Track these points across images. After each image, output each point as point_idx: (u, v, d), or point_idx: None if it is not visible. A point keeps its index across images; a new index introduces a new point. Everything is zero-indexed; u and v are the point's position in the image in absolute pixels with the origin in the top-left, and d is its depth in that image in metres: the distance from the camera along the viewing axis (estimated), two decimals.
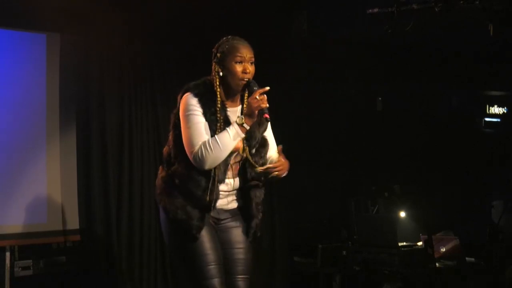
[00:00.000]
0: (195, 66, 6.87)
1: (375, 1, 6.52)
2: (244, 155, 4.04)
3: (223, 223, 4.11)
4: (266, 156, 4.18)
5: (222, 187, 4.02)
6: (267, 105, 3.92)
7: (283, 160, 4.10)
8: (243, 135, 3.94)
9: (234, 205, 4.15)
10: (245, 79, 3.97)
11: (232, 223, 4.14)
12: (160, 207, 4.09)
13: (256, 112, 3.91)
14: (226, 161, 3.97)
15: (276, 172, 4.04)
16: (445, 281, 6.39)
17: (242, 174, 4.10)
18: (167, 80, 6.88)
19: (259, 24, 6.93)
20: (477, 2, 6.13)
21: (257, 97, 3.89)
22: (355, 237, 6.73)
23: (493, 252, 7.03)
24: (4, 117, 6.22)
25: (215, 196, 3.97)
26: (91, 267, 6.42)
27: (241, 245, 4.15)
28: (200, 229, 3.96)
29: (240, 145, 4.00)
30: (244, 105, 4.05)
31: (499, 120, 7.59)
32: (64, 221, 6.46)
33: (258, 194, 4.18)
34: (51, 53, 6.46)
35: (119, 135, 6.59)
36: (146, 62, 6.78)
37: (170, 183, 4.01)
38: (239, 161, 4.08)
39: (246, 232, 4.15)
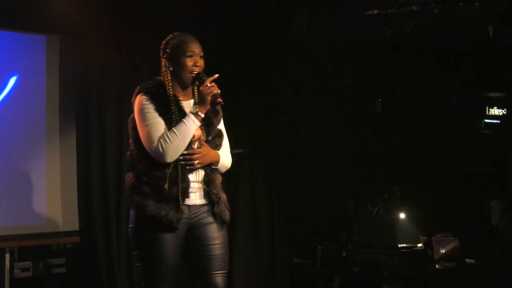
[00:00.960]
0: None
1: (374, 3, 6.52)
2: (203, 139, 4.14)
3: (195, 220, 4.14)
4: (220, 147, 4.26)
5: (190, 177, 4.10)
6: (219, 91, 4.08)
7: (205, 149, 4.16)
8: (199, 123, 4.07)
9: (204, 200, 4.18)
10: (195, 72, 4.11)
11: (206, 219, 4.18)
12: (131, 209, 4.15)
13: (209, 98, 4.06)
14: (188, 149, 4.06)
15: (196, 161, 4.09)
16: (445, 282, 6.39)
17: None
18: None
19: (258, 25, 6.94)
20: (477, 4, 6.13)
21: (208, 84, 4.05)
22: (354, 238, 6.72)
23: (492, 253, 7.04)
24: (4, 119, 6.23)
25: (186, 185, 4.06)
26: (90, 268, 6.42)
27: (216, 241, 4.19)
28: (178, 220, 4.02)
29: (199, 133, 4.11)
30: (195, 97, 4.18)
31: (499, 121, 7.57)
32: (63, 223, 6.47)
33: (214, 179, 4.22)
34: (51, 55, 6.48)
35: (118, 137, 6.59)
36: (145, 63, 6.78)
37: (139, 183, 4.08)
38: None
39: (215, 218, 4.19)
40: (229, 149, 4.36)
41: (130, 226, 4.17)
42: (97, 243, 6.42)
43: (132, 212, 4.15)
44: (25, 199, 6.32)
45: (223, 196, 4.28)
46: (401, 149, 7.52)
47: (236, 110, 7.05)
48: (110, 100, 6.58)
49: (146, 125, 4.03)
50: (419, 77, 7.44)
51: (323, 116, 7.44)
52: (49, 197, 6.43)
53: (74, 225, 6.49)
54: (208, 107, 4.09)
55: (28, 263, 6.32)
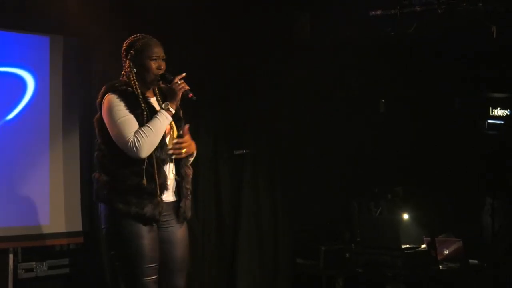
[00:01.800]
0: (199, 66, 6.91)
1: (378, 3, 6.53)
2: (175, 134, 4.25)
3: (165, 219, 4.20)
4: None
5: (166, 168, 4.17)
6: (188, 87, 4.18)
7: (189, 139, 4.29)
8: (171, 119, 4.16)
9: (174, 197, 4.26)
10: (160, 74, 4.22)
11: (172, 221, 4.24)
12: (104, 207, 4.16)
13: (179, 94, 4.15)
14: (161, 144, 4.13)
15: (184, 149, 4.21)
16: (448, 283, 6.39)
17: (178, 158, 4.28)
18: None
19: (261, 26, 6.94)
20: (480, 4, 6.14)
21: (177, 81, 4.16)
22: (358, 239, 6.73)
23: (495, 254, 7.03)
24: (7, 120, 6.23)
25: (163, 177, 4.13)
26: (94, 269, 6.42)
27: (181, 243, 4.29)
28: (160, 214, 4.09)
29: (169, 128, 4.20)
30: (157, 95, 4.29)
31: (502, 122, 7.57)
32: (67, 223, 6.46)
33: (186, 172, 4.30)
34: (54, 56, 6.48)
35: None
36: None
37: (114, 182, 4.10)
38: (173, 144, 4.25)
39: (176, 213, 4.25)
40: None
41: (104, 226, 4.19)
42: (100, 243, 6.41)
43: (105, 211, 4.16)
44: (28, 200, 6.31)
45: (190, 194, 4.35)
46: (404, 150, 7.52)
47: (239, 111, 7.09)
48: None
49: (118, 123, 4.06)
50: (422, 77, 7.44)
51: (326, 116, 7.44)
52: (52, 197, 6.43)
53: (78, 226, 6.48)
54: (178, 103, 4.19)
55: (32, 264, 6.32)
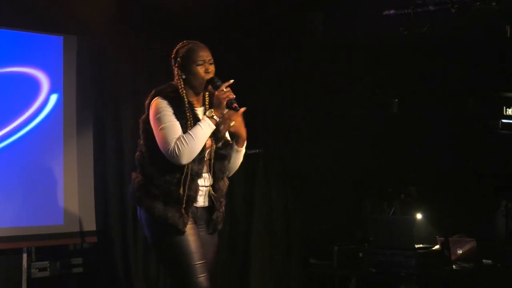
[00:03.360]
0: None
1: (391, 3, 6.51)
2: (214, 147, 4.22)
3: (199, 222, 4.22)
4: (229, 157, 4.33)
5: (200, 181, 4.17)
6: (234, 96, 4.14)
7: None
8: (214, 127, 4.12)
9: (208, 203, 4.27)
10: (208, 78, 4.18)
11: (203, 225, 4.26)
12: (141, 210, 4.19)
13: (224, 103, 4.11)
14: (200, 155, 4.12)
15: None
16: (462, 283, 6.38)
17: (213, 169, 4.26)
18: None
19: (274, 26, 6.94)
20: (494, 4, 6.11)
21: (223, 89, 4.11)
22: (371, 239, 6.72)
23: (509, 254, 7.01)
24: (21, 119, 6.26)
25: (194, 189, 4.12)
26: (107, 268, 6.44)
27: (210, 246, 4.30)
28: (185, 224, 4.07)
29: (209, 141, 4.18)
30: (206, 106, 4.26)
31: None
32: (80, 223, 6.48)
33: (222, 187, 4.31)
34: (68, 55, 6.49)
35: (135, 137, 6.58)
36: (162, 63, 6.79)
37: (148, 185, 4.13)
38: (210, 157, 4.23)
39: (207, 224, 4.28)
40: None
41: (147, 229, 4.20)
42: (114, 243, 6.43)
43: (142, 214, 4.19)
44: (42, 200, 6.33)
45: (223, 206, 4.35)
46: (417, 150, 7.50)
47: (252, 111, 7.09)
48: (127, 101, 6.58)
49: (163, 128, 4.07)
50: (435, 77, 7.43)
51: (339, 116, 7.43)
52: (66, 197, 6.45)
53: (91, 225, 6.50)
54: (223, 111, 4.15)
55: (45, 263, 6.34)
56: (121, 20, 6.38)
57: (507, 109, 7.54)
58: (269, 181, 7.26)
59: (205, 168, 4.19)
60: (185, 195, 4.08)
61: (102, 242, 6.49)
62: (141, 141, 4.25)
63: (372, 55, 7.25)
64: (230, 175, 4.40)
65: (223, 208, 4.34)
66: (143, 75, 6.68)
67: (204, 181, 4.20)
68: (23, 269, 6.20)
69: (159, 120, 4.09)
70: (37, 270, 6.29)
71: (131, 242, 6.49)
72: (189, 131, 4.06)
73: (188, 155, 4.03)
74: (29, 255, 6.26)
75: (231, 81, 4.17)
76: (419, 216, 6.76)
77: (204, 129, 4.07)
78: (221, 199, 4.30)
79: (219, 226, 4.33)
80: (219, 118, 4.13)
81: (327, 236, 7.21)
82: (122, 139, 6.52)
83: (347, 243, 6.92)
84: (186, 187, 4.08)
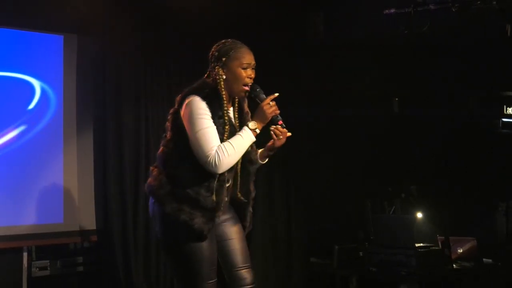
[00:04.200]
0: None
1: (391, 2, 6.51)
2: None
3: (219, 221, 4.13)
4: (255, 163, 4.27)
5: (228, 187, 4.10)
6: (279, 111, 4.04)
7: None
8: (254, 139, 4.02)
9: (227, 199, 4.18)
10: (249, 85, 4.05)
11: (225, 216, 4.16)
12: (159, 207, 4.02)
13: (270, 117, 4.01)
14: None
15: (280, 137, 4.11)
16: (462, 282, 6.37)
17: (243, 175, 4.21)
18: (183, 80, 6.88)
19: (275, 26, 6.94)
20: (494, 3, 6.11)
21: (270, 103, 4.00)
22: (372, 238, 6.72)
23: (510, 253, 7.01)
24: (21, 118, 6.26)
25: (223, 195, 4.02)
26: (107, 267, 6.44)
27: (235, 235, 4.19)
28: (209, 230, 3.97)
29: None
30: (236, 108, 4.14)
31: None
32: (81, 222, 6.50)
33: (252, 191, 4.25)
34: (68, 54, 6.51)
35: (136, 135, 6.61)
36: (163, 61, 6.80)
37: (174, 185, 3.98)
38: (241, 164, 4.18)
39: (242, 224, 4.23)
40: None
41: (160, 228, 4.06)
42: (114, 241, 6.43)
43: (160, 213, 4.02)
44: (43, 199, 6.35)
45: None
46: (418, 149, 7.50)
47: (253, 110, 7.09)
48: (127, 100, 6.59)
49: (202, 132, 3.90)
50: (436, 76, 7.43)
51: (340, 115, 7.44)
52: (66, 196, 6.46)
53: (91, 224, 6.51)
54: (265, 124, 4.05)
55: (46, 262, 6.35)
56: (122, 19, 6.39)
57: (508, 108, 7.54)
58: (270, 180, 7.26)
59: (234, 175, 4.13)
60: (215, 200, 3.97)
61: (102, 241, 6.49)
62: (167, 136, 4.08)
63: (372, 54, 7.24)
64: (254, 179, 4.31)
65: (251, 210, 4.27)
66: (143, 74, 6.69)
67: (228, 183, 4.09)
68: (24, 268, 6.21)
69: (197, 122, 3.91)
70: (37, 269, 6.30)
71: (132, 241, 6.49)
72: (230, 141, 3.93)
73: (226, 166, 3.91)
74: (29, 254, 6.28)
75: (276, 94, 4.05)
76: (419, 215, 6.76)
77: (246, 141, 3.97)
78: (250, 208, 4.25)
79: (248, 230, 4.27)
80: (260, 130, 4.02)
81: (328, 235, 7.21)
82: (123, 138, 6.53)
83: (348, 242, 6.91)
84: (215, 191, 3.96)
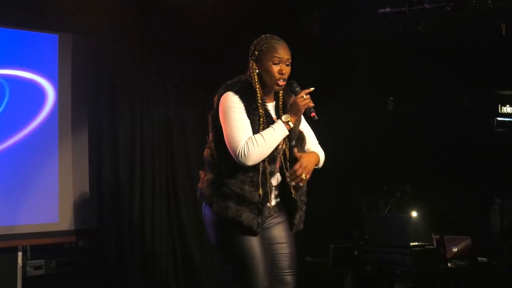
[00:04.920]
0: (207, 64, 6.91)
1: (387, 1, 6.52)
2: (284, 147, 4.10)
3: (268, 220, 4.10)
4: (305, 147, 4.25)
5: (272, 180, 4.06)
6: (313, 104, 4.04)
7: (305, 158, 4.09)
8: (287, 132, 4.01)
9: (277, 200, 4.15)
10: (281, 80, 4.05)
11: (276, 219, 4.14)
12: (209, 209, 4.04)
13: (303, 110, 4.01)
14: (273, 155, 4.01)
15: (303, 175, 4.02)
16: (457, 281, 6.38)
17: (283, 168, 4.14)
18: (179, 80, 6.89)
19: (270, 24, 6.92)
20: (489, 1, 6.12)
21: (303, 96, 4.00)
22: (367, 237, 6.72)
23: (504, 252, 7.02)
24: (16, 118, 6.26)
25: (268, 189, 4.00)
26: (103, 266, 6.43)
27: (285, 240, 4.17)
28: (259, 225, 3.97)
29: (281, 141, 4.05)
30: (280, 102, 4.14)
31: (511, 119, 7.57)
32: (76, 221, 6.49)
33: (302, 186, 4.19)
34: (63, 54, 6.50)
35: (130, 135, 6.61)
36: (158, 62, 6.79)
37: (219, 184, 3.99)
38: (281, 155, 4.12)
39: (290, 225, 4.18)
40: (318, 145, 4.37)
41: (211, 229, 4.06)
42: (109, 241, 6.43)
43: (209, 213, 4.04)
44: (38, 198, 6.34)
45: (304, 206, 4.25)
46: (413, 147, 7.51)
47: None
48: (122, 100, 6.59)
49: (233, 125, 3.92)
50: (431, 75, 7.43)
51: (335, 114, 7.43)
52: (61, 195, 6.45)
53: (87, 224, 6.51)
54: (299, 118, 4.08)
55: (41, 261, 6.35)
56: (117, 19, 6.38)
57: (502, 107, 7.56)
58: None
59: (277, 168, 4.08)
60: (261, 193, 3.96)
61: (97, 240, 6.49)
62: (210, 138, 4.11)
63: (368, 53, 7.25)
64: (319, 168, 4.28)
65: (304, 207, 4.23)
66: (139, 74, 6.68)
67: (276, 180, 4.09)
68: (18, 267, 6.21)
69: (229, 116, 3.94)
70: (32, 268, 6.29)
71: (127, 240, 6.49)
72: (261, 133, 3.92)
73: (256, 157, 3.89)
74: (24, 253, 6.28)
75: (312, 88, 4.06)
76: (414, 214, 6.75)
77: (277, 133, 3.95)
78: (302, 197, 4.19)
79: (301, 226, 4.21)
80: (294, 124, 4.02)
81: (323, 234, 7.21)
82: (118, 138, 6.53)
83: (343, 241, 6.91)
84: (260, 185, 3.96)
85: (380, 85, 7.56)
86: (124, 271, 6.46)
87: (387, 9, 6.47)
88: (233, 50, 6.77)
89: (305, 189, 4.23)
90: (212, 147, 4.07)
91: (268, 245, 4.09)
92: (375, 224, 6.66)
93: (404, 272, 6.23)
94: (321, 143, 7.09)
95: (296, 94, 4.06)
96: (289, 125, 3.99)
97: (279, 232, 4.14)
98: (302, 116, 4.21)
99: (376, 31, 6.87)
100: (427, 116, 7.53)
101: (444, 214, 7.00)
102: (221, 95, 4.02)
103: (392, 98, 7.68)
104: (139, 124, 6.65)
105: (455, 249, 6.61)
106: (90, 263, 6.52)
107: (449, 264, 6.39)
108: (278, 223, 4.15)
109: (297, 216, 4.18)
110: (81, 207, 6.52)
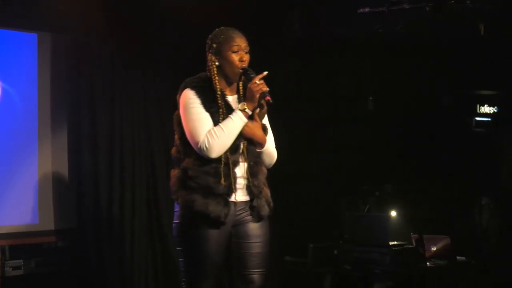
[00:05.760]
0: (187, 64, 6.89)
1: (366, 1, 6.54)
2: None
3: (239, 217, 4.13)
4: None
5: (237, 171, 4.09)
6: (267, 88, 4.07)
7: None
8: (246, 120, 4.05)
9: (248, 197, 4.17)
10: (242, 67, 4.10)
11: (249, 217, 4.17)
12: (176, 204, 4.11)
13: (257, 96, 4.04)
14: (235, 145, 4.05)
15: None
16: (436, 280, 6.41)
17: (249, 157, 4.17)
18: (158, 79, 6.88)
19: (250, 24, 6.91)
20: (468, 2, 6.15)
21: (257, 81, 4.03)
22: (346, 236, 6.72)
23: (483, 251, 7.06)
24: None
25: (232, 179, 4.04)
26: (82, 267, 6.41)
27: (258, 239, 4.20)
28: (226, 216, 4.01)
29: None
30: (240, 93, 4.18)
31: (489, 119, 7.61)
32: (55, 222, 6.48)
33: (259, 172, 4.22)
34: (42, 53, 6.47)
35: (110, 135, 6.59)
36: (138, 61, 6.77)
37: (184, 178, 4.05)
38: (246, 146, 4.15)
39: (252, 214, 4.18)
40: (274, 146, 4.37)
41: (174, 221, 4.14)
42: (89, 242, 6.41)
43: (177, 208, 4.11)
44: (17, 198, 6.32)
45: (266, 191, 4.27)
46: (392, 147, 7.53)
47: None
48: (102, 99, 6.57)
49: (192, 120, 4.00)
50: (410, 75, 7.46)
51: (315, 114, 7.45)
52: (40, 195, 6.43)
53: (66, 224, 6.49)
54: (256, 104, 4.08)
55: (19, 262, 6.32)
56: (97, 18, 6.36)
57: (481, 107, 7.60)
58: None
59: (241, 157, 4.12)
60: (225, 185, 4.01)
61: (76, 240, 6.47)
62: (176, 136, 4.17)
63: (347, 53, 7.26)
64: (268, 167, 4.32)
65: (265, 195, 4.24)
66: (118, 74, 6.66)
67: (241, 171, 4.11)
68: None
69: (187, 112, 4.03)
70: (11, 268, 6.26)
71: (106, 241, 6.47)
72: (220, 124, 3.99)
73: (218, 148, 3.97)
74: (2, 254, 6.24)
75: (265, 73, 4.09)
76: (393, 213, 6.77)
77: (236, 122, 4.01)
78: (256, 183, 4.18)
79: (263, 213, 4.20)
80: (251, 111, 4.06)
81: (302, 233, 7.21)
82: (97, 139, 6.51)
83: (323, 241, 6.92)
84: (226, 176, 4.01)
85: (359, 85, 7.58)
86: (103, 271, 6.44)
87: (367, 9, 6.50)
88: None
89: (262, 177, 4.25)
90: (177, 144, 4.15)
91: (236, 243, 4.14)
92: (355, 223, 6.67)
93: (383, 272, 6.25)
94: (300, 142, 7.11)
95: (249, 80, 4.09)
96: (246, 112, 4.04)
97: (250, 230, 4.17)
98: (267, 117, 4.27)
99: (356, 31, 6.88)
100: (406, 116, 7.55)
101: (423, 213, 7.02)
102: (181, 93, 4.10)
103: (371, 97, 7.69)
104: (118, 124, 6.63)
105: (434, 249, 6.63)
106: (69, 264, 6.50)
107: (428, 263, 6.41)
108: (249, 221, 4.17)
109: (255, 203, 4.17)
110: (61, 207, 6.51)
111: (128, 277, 6.58)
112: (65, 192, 6.52)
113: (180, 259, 4.16)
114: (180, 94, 4.12)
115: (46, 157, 6.47)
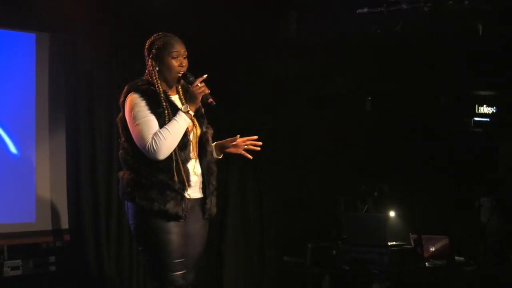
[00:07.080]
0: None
1: (364, 1, 6.53)
2: (199, 132, 4.29)
3: (188, 215, 4.20)
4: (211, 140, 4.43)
5: (190, 166, 4.20)
6: (208, 91, 4.20)
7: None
8: (189, 121, 4.18)
9: (200, 194, 4.29)
10: (181, 72, 4.24)
11: (196, 217, 4.28)
12: (131, 205, 4.18)
13: (200, 98, 4.16)
14: (183, 142, 4.16)
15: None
16: (434, 280, 6.41)
17: (201, 154, 4.31)
18: None
19: (247, 24, 6.93)
20: (466, 2, 6.16)
21: (198, 84, 4.16)
22: (344, 236, 6.73)
23: (481, 251, 7.06)
24: None
25: (184, 175, 4.14)
26: (80, 266, 6.41)
27: (199, 240, 4.32)
28: (183, 210, 4.11)
29: (192, 125, 4.24)
30: (180, 94, 4.32)
31: (488, 119, 7.62)
32: (53, 221, 6.47)
33: (213, 170, 4.37)
34: (41, 53, 6.47)
35: (108, 134, 6.58)
36: (136, 61, 6.75)
37: (138, 177, 4.13)
38: (197, 141, 4.29)
39: (202, 210, 4.30)
40: None
41: (131, 222, 4.20)
42: (87, 241, 6.40)
43: (132, 208, 4.18)
44: (15, 198, 6.32)
45: (215, 191, 4.39)
46: (390, 147, 7.53)
47: (225, 109, 7.07)
48: (100, 98, 6.56)
49: (138, 124, 4.10)
50: (409, 75, 7.45)
51: (313, 114, 7.44)
52: (38, 195, 6.43)
53: (64, 223, 6.49)
54: (198, 106, 4.21)
55: (18, 262, 6.30)
56: (95, 18, 6.35)
57: (479, 107, 7.60)
58: (243, 178, 7.27)
59: (192, 154, 4.24)
60: (180, 181, 4.11)
61: (75, 240, 6.46)
62: (122, 139, 4.26)
63: (345, 53, 7.25)
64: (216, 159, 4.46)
65: (215, 192, 4.37)
66: (116, 74, 6.65)
67: (194, 166, 4.23)
68: None
69: (133, 117, 4.12)
70: (9, 268, 6.25)
71: (104, 240, 6.47)
72: (166, 126, 4.09)
73: (166, 150, 4.07)
74: (1, 254, 6.23)
75: (205, 76, 4.20)
76: (392, 213, 6.77)
77: (180, 124, 4.11)
78: (213, 182, 4.34)
79: (214, 211, 4.34)
80: (193, 112, 4.18)
81: (300, 233, 7.22)
82: (95, 137, 6.50)
83: (321, 241, 6.93)
84: (179, 172, 4.11)
85: (357, 85, 7.57)
86: (101, 270, 6.43)
87: (365, 9, 6.50)
88: (211, 51, 6.79)
89: (215, 174, 4.37)
90: (126, 147, 4.23)
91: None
92: (353, 223, 6.67)
93: (382, 272, 6.25)
94: (298, 142, 7.10)
95: (191, 84, 4.20)
96: (189, 114, 4.16)
97: (195, 229, 4.28)
98: None
99: (354, 31, 6.88)
100: (404, 116, 7.55)
101: (422, 213, 7.02)
102: (125, 97, 4.21)
103: (369, 98, 7.69)
104: (117, 124, 6.60)
105: (432, 249, 6.63)
106: (67, 263, 6.49)
107: (426, 263, 6.41)
108: (197, 220, 4.28)
109: (207, 201, 4.30)
110: (59, 207, 6.50)
111: (126, 277, 6.58)
112: (62, 191, 6.50)
113: (145, 258, 4.23)
114: (123, 99, 4.22)
115: (44, 156, 6.47)
